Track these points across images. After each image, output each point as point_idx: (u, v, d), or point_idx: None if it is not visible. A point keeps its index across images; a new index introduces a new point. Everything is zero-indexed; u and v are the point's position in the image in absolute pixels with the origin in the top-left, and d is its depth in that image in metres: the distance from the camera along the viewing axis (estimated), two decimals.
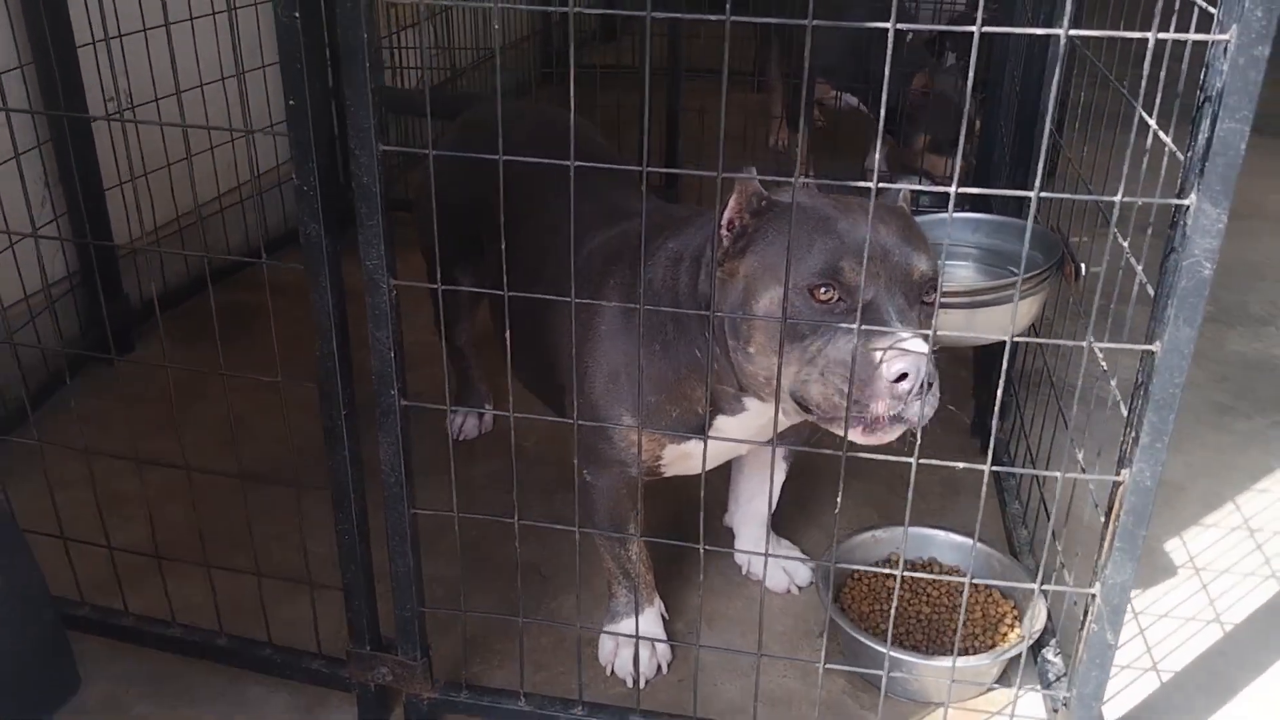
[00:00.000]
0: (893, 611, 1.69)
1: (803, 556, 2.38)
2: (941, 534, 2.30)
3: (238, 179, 3.54)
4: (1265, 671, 2.13)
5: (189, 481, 1.98)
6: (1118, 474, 1.56)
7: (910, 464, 1.52)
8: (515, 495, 1.72)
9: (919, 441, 1.54)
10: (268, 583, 2.17)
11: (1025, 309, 2.14)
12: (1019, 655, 2.01)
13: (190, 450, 2.23)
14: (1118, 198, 1.40)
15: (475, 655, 2.15)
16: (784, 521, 2.48)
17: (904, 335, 1.55)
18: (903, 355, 1.52)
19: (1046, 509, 2.20)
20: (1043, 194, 1.37)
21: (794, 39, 4.56)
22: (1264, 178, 4.55)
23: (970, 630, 2.14)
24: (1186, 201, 1.37)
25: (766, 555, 1.69)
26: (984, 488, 1.59)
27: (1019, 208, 2.49)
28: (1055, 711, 1.82)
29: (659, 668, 2.12)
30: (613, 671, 2.10)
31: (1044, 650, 2.06)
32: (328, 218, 1.57)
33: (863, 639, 2.01)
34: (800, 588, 2.34)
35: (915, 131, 4.09)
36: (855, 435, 1.59)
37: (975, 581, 2.19)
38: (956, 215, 2.40)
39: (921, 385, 1.52)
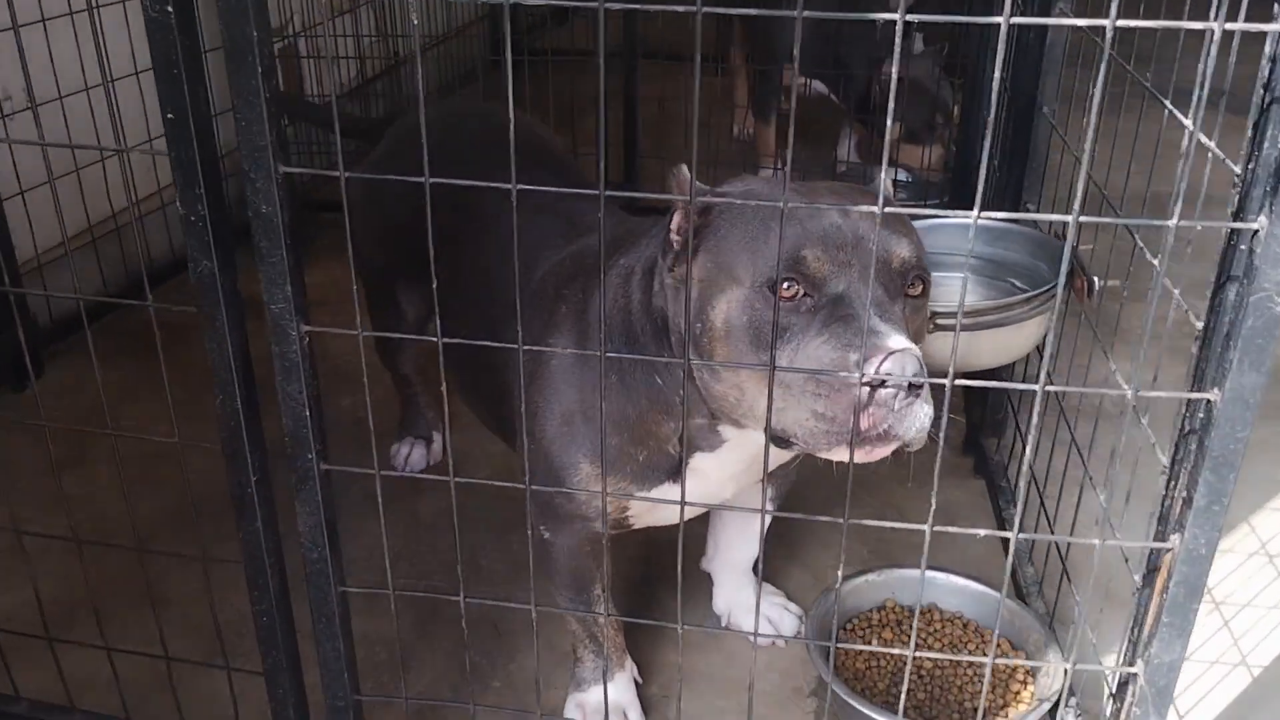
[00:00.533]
0: (903, 695, 1.46)
1: (789, 604, 2.15)
2: (941, 576, 2.07)
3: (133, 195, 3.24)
4: None
5: (80, 552, 1.71)
6: (1164, 538, 1.34)
7: (923, 531, 1.29)
8: (460, 569, 1.47)
9: (931, 492, 1.30)
10: (186, 652, 1.92)
11: (1032, 330, 1.91)
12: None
13: (102, 491, 1.96)
14: (1173, 222, 1.16)
15: None
16: (765, 562, 2.24)
17: (883, 330, 1.30)
18: (883, 354, 1.27)
19: (1059, 550, 1.98)
20: (1084, 218, 1.14)
21: (757, 20, 4.31)
22: None
23: (977, 687, 1.92)
24: (1255, 225, 1.14)
25: (757, 620, 1.45)
26: (1009, 559, 1.36)
27: (1015, 208, 2.26)
28: None
29: None
30: None
31: (1062, 713, 1.85)
32: (221, 250, 1.31)
33: (862, 708, 1.78)
34: (787, 640, 2.11)
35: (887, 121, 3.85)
36: (841, 455, 1.32)
37: (999, 639, 1.97)
38: (948, 220, 2.17)
39: (909, 389, 1.27)
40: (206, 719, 1.87)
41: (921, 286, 1.44)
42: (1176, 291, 1.38)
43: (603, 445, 1.48)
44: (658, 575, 2.28)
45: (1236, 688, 2.01)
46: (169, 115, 1.21)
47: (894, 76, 1.07)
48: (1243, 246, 1.16)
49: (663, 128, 4.13)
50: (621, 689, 1.90)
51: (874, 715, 1.75)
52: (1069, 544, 1.96)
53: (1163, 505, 1.36)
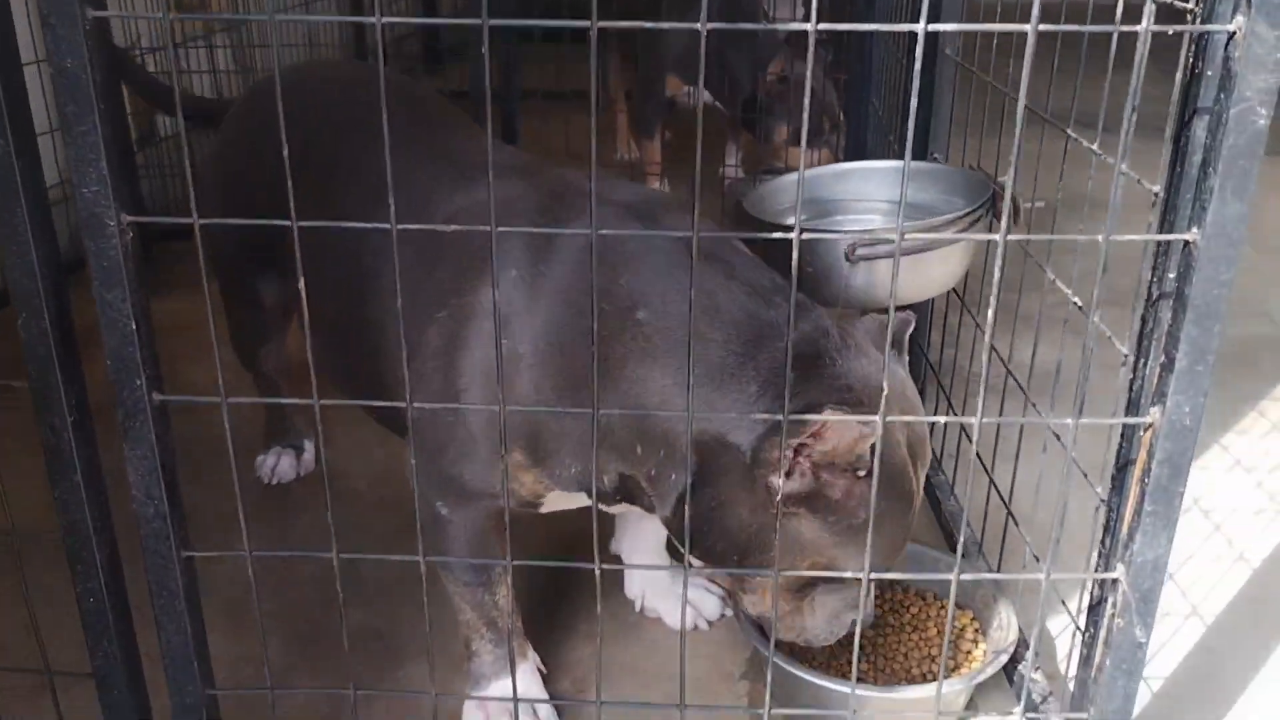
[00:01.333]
0: (855, 656, 1.27)
1: (710, 585, 1.94)
2: None
3: None
4: None
5: None
6: (1140, 412, 1.19)
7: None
8: (330, 513, 1.22)
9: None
10: (8, 685, 1.62)
11: (958, 257, 1.78)
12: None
13: None
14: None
15: None
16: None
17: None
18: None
19: (1001, 496, 1.82)
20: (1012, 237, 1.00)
21: (636, 39, 4.21)
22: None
23: (925, 651, 1.73)
24: (1231, 27, 1.01)
25: (686, 570, 1.24)
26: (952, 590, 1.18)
27: (920, 159, 2.14)
28: None
29: None
30: None
31: (1020, 666, 1.67)
32: (16, 123, 1.07)
33: (804, 675, 1.58)
34: (710, 622, 1.89)
35: (775, 124, 3.77)
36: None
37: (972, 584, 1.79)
38: (855, 165, 2.04)
39: None
40: None
41: None
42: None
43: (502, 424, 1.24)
44: (559, 570, 2.05)
45: (1241, 580, 1.96)
46: None
47: (808, 80, 1.00)
48: (1218, 51, 1.03)
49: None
50: (527, 681, 1.65)
51: (828, 685, 1.55)
52: (1014, 474, 1.80)
53: (1134, 378, 1.21)
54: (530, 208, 1.51)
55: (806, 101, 1.04)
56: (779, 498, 1.27)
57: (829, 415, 1.21)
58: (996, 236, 1.06)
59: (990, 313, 1.09)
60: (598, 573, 1.22)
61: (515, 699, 1.34)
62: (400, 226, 1.03)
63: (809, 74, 0.98)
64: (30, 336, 1.14)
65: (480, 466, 1.47)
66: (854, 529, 1.31)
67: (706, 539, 1.36)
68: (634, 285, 1.39)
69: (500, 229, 1.05)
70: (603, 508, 1.54)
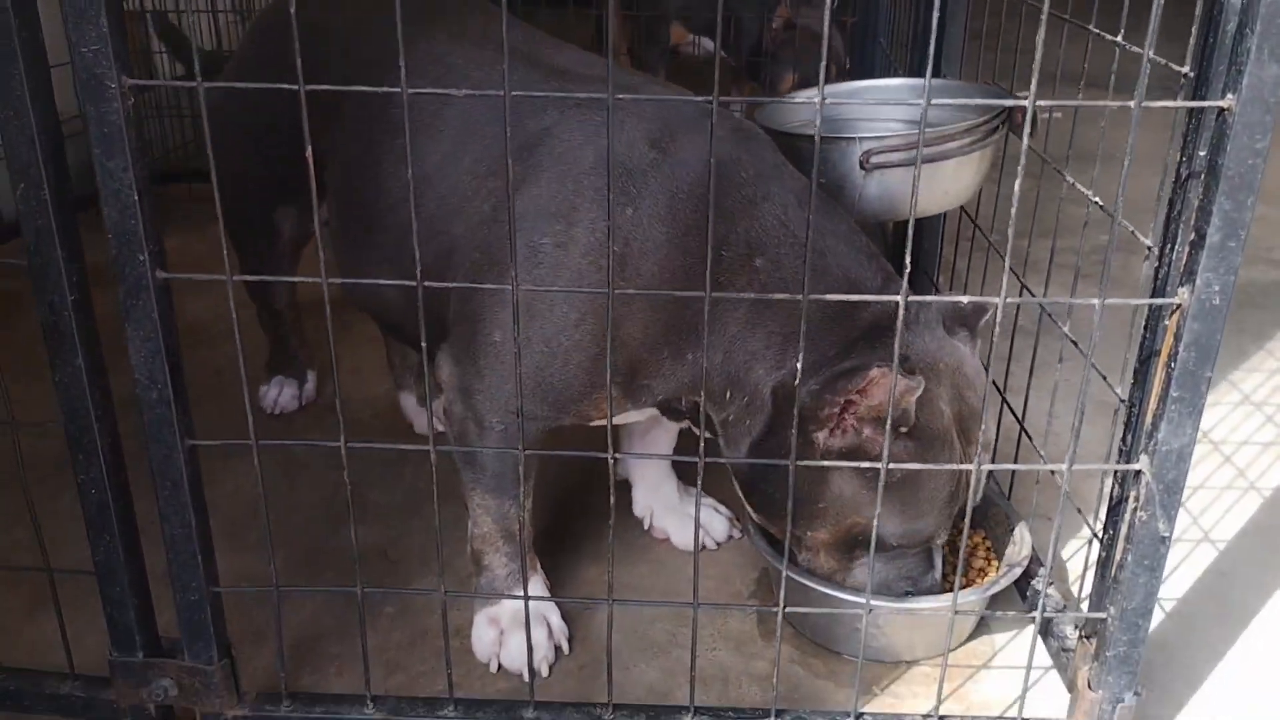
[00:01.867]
0: (872, 550, 1.24)
1: (718, 505, 1.91)
2: None
3: None
4: None
5: None
6: (1165, 293, 1.16)
7: None
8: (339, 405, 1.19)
9: None
10: (11, 598, 1.61)
11: (974, 167, 1.74)
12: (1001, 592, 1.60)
13: None
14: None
15: (304, 662, 1.59)
16: (685, 466, 2.00)
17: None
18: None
19: (1012, 410, 1.79)
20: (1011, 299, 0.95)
21: None
22: None
23: None
24: None
25: (701, 460, 1.21)
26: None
27: (937, 72, 2.11)
28: (1082, 640, 1.39)
29: (556, 652, 1.61)
30: (500, 667, 1.58)
31: (1033, 582, 1.65)
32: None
33: (818, 586, 1.55)
34: (719, 543, 1.87)
35: (781, 72, 3.73)
36: None
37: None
38: (867, 83, 2.00)
39: None
40: (35, 660, 1.54)
41: None
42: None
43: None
44: (567, 487, 2.02)
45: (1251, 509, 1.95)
46: None
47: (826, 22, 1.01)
48: None
49: None
50: (538, 592, 1.63)
51: (842, 596, 1.52)
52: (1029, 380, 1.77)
53: (1159, 266, 1.19)
54: (639, 138, 1.44)
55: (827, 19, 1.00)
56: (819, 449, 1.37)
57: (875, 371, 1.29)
58: (1025, 102, 1.03)
59: (1016, 185, 1.06)
60: (610, 461, 1.19)
61: (526, 596, 1.31)
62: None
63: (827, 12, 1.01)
64: (29, 208, 1.11)
65: (567, 397, 1.47)
66: (891, 488, 1.35)
67: (767, 485, 1.42)
68: (751, 233, 1.42)
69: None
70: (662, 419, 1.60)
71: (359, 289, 1.79)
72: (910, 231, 1.08)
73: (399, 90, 1.02)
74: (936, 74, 2.13)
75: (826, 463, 1.34)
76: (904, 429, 1.33)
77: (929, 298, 1.27)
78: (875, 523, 1.23)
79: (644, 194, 1.41)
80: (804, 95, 1.96)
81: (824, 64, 1.05)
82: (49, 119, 1.08)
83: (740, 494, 1.53)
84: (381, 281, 1.18)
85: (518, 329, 1.17)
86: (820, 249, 1.41)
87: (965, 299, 1.26)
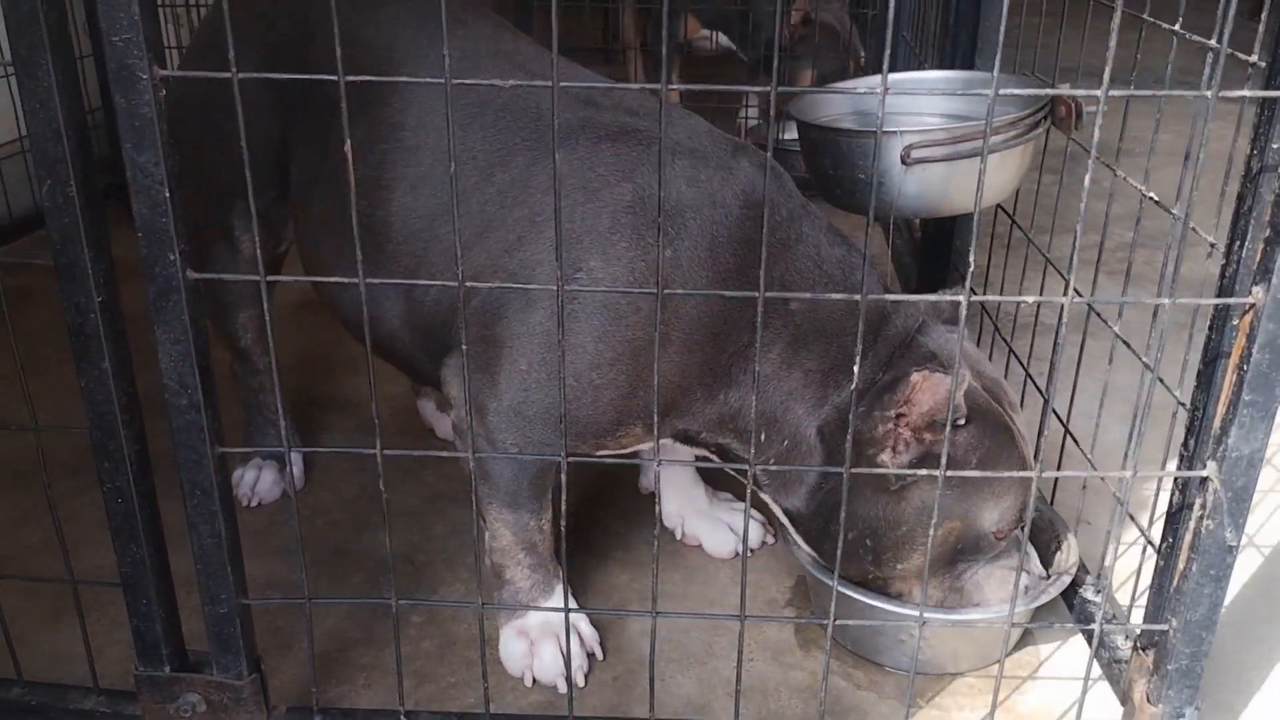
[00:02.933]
0: (928, 558, 1.20)
1: (753, 511, 1.87)
2: None
3: None
4: None
5: None
6: (1235, 292, 1.11)
7: None
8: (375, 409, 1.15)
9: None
10: (28, 608, 1.56)
11: (1015, 162, 1.70)
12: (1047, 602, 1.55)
13: None
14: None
15: (331, 673, 1.55)
16: (714, 472, 1.95)
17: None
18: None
19: (1058, 415, 1.75)
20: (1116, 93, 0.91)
21: None
22: None
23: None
24: None
25: (751, 468, 1.17)
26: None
27: (969, 66, 2.06)
28: (1138, 652, 1.35)
29: (589, 660, 1.56)
30: (534, 681, 1.53)
31: (1081, 591, 1.61)
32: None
33: (860, 597, 1.51)
34: (752, 550, 1.83)
35: (799, 69, 3.68)
36: None
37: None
38: (904, 75, 1.96)
39: None
40: (58, 672, 1.50)
41: None
42: None
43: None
44: (593, 490, 1.98)
45: None
46: None
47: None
48: None
49: None
50: (560, 600, 1.58)
51: (893, 609, 1.48)
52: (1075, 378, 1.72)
53: (1227, 262, 1.14)
54: (677, 175, 1.42)
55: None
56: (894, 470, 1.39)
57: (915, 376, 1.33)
58: (1098, 92, 0.98)
59: (1086, 179, 1.01)
60: (656, 467, 1.14)
61: (566, 609, 1.27)
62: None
63: None
64: (54, 205, 1.06)
65: (590, 431, 1.44)
66: (970, 480, 1.38)
67: (837, 525, 1.32)
68: (787, 275, 1.44)
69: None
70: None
71: (368, 321, 1.66)
72: (975, 226, 1.04)
73: (416, 100, 0.97)
74: (970, 66, 2.09)
75: (883, 470, 1.33)
76: (961, 421, 1.36)
77: (944, 296, 1.26)
78: (933, 533, 1.19)
79: (683, 236, 1.39)
80: (857, 85, 1.91)
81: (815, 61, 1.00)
82: (76, 112, 1.04)
83: (807, 546, 1.54)
84: (423, 282, 1.13)
85: (562, 358, 1.12)
86: (851, 283, 1.47)
87: (970, 297, 1.20)
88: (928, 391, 1.33)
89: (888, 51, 1.04)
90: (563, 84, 0.99)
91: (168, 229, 1.06)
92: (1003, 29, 1.12)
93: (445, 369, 1.52)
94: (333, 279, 1.10)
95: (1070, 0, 1.69)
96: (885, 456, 1.38)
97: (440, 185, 1.51)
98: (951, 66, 2.18)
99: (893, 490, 1.40)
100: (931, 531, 1.19)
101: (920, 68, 2.60)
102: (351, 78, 0.98)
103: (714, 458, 1.52)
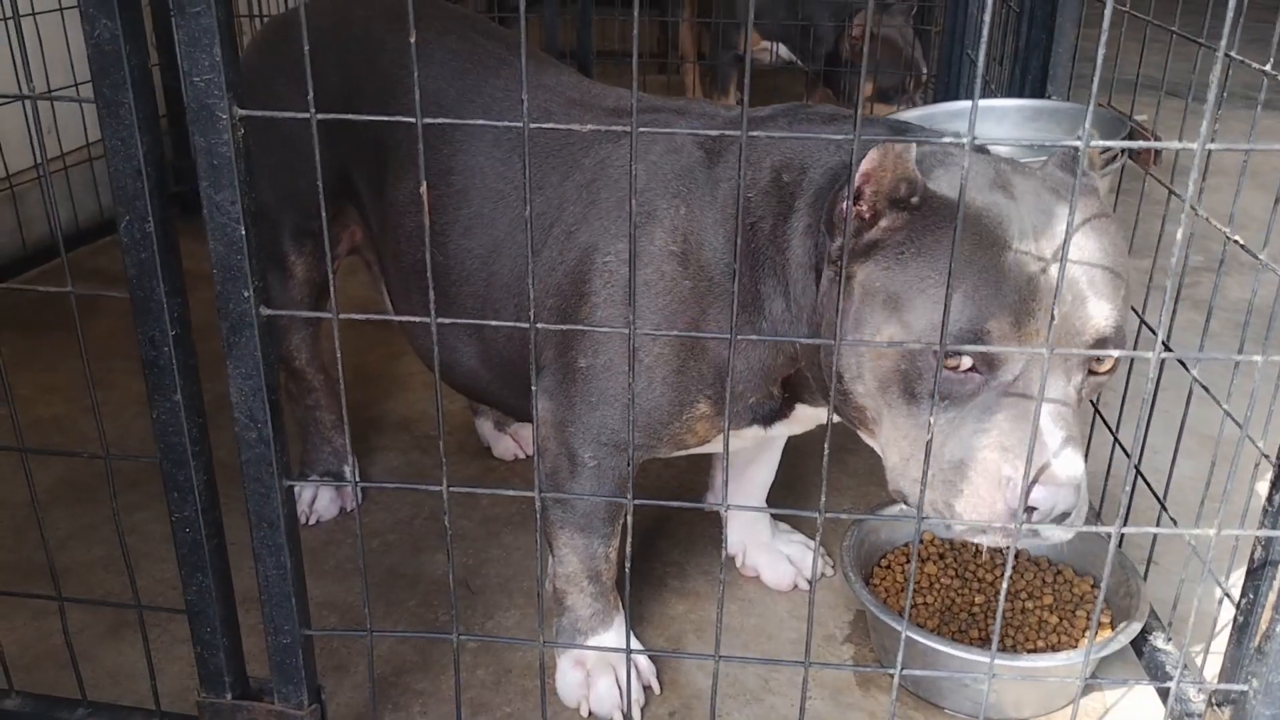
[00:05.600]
0: (1000, 604, 1.17)
1: (809, 541, 1.85)
2: None
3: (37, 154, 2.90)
4: None
5: None
6: None
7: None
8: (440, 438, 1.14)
9: None
10: (90, 623, 1.57)
11: None
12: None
13: None
14: None
15: (387, 698, 1.55)
16: (770, 503, 1.93)
17: (1051, 444, 1.11)
18: (1039, 486, 1.10)
19: (1124, 450, 1.70)
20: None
21: None
22: None
23: (1039, 617, 1.63)
24: None
25: (821, 510, 1.14)
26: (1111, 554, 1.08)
27: (1040, 90, 2.02)
28: (1213, 708, 1.31)
29: (646, 692, 1.55)
30: (589, 713, 1.52)
31: (1152, 639, 1.57)
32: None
33: (927, 641, 1.49)
34: (810, 582, 1.80)
35: (859, 80, 3.64)
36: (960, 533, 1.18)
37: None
38: (981, 104, 1.92)
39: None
40: (117, 691, 1.51)
41: (1111, 363, 1.19)
42: None
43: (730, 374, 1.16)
44: (652, 519, 1.97)
45: None
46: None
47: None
48: None
49: None
50: (622, 633, 1.57)
51: (960, 654, 1.45)
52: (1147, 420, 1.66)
53: None
54: (688, 141, 1.43)
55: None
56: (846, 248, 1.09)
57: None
58: (1194, 145, 0.95)
59: (1179, 233, 0.98)
60: (724, 514, 1.13)
61: (629, 650, 1.25)
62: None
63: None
64: (131, 240, 1.07)
65: (657, 420, 1.42)
66: (908, 275, 1.16)
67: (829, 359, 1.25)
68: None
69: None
70: (762, 434, 1.50)
71: (438, 359, 1.67)
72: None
73: (463, 146, 0.96)
74: (1042, 89, 2.05)
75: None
76: (915, 199, 1.16)
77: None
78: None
79: (694, 189, 1.39)
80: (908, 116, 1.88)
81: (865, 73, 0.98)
82: (155, 150, 1.04)
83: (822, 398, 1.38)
84: (494, 323, 1.12)
85: (632, 362, 1.11)
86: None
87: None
88: (883, 164, 1.14)
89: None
90: (641, 129, 0.98)
91: (243, 266, 1.06)
92: (1072, 65, 1.08)
93: (538, 390, 1.49)
94: (403, 318, 1.08)
95: (1150, 20, 1.65)
96: (831, 250, 1.24)
97: (490, 224, 1.54)
98: (1021, 89, 2.14)
99: (845, 287, 1.17)
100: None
101: (987, 89, 2.56)
102: (429, 120, 0.97)
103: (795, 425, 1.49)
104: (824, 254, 1.27)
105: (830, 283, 1.26)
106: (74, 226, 3.16)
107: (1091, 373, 1.17)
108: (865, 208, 1.18)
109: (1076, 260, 1.14)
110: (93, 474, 2.04)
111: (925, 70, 3.64)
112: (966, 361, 1.13)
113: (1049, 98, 2.03)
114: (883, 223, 1.18)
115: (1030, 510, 1.10)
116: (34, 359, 2.47)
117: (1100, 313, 1.14)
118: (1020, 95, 2.09)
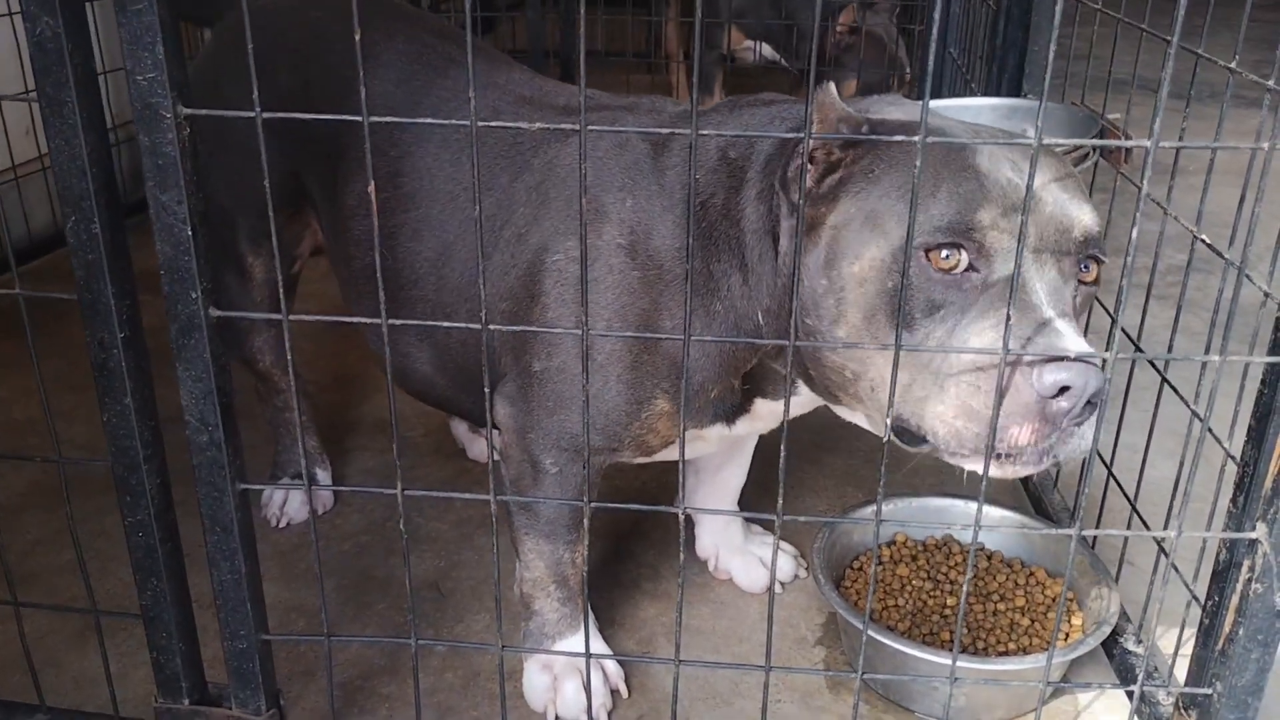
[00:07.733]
0: (961, 608, 1.16)
1: (783, 544, 1.84)
2: (960, 504, 1.78)
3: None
4: None
5: None
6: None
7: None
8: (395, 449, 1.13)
9: None
10: (57, 628, 1.56)
11: None
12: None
13: None
14: None
15: (353, 702, 1.54)
16: (745, 505, 1.92)
17: (1062, 329, 1.07)
18: (1062, 365, 1.04)
19: (1103, 459, 1.70)
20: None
21: None
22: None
23: (1011, 621, 1.62)
24: None
25: (779, 517, 1.13)
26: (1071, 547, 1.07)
27: (1016, 89, 2.01)
28: (1180, 710, 1.30)
29: (614, 697, 1.54)
30: (556, 717, 1.51)
31: (1122, 640, 1.56)
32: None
33: (894, 644, 1.47)
34: (783, 584, 1.79)
35: (844, 78, 3.64)
36: (976, 465, 1.11)
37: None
38: (948, 103, 1.91)
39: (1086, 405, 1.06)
40: (80, 697, 1.50)
41: (1096, 270, 1.18)
42: None
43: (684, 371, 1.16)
44: (624, 525, 1.95)
45: None
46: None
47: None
48: None
49: None
50: (592, 638, 1.56)
51: (924, 656, 1.44)
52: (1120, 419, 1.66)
53: None
54: (635, 139, 1.42)
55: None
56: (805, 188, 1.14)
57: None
58: (1147, 143, 0.94)
59: (1134, 231, 0.97)
60: (681, 516, 1.12)
61: (588, 654, 1.24)
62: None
63: None
64: (78, 241, 1.06)
65: (615, 421, 1.39)
66: (882, 189, 1.16)
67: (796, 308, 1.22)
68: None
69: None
70: (727, 433, 1.46)
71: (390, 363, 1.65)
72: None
73: (411, 148, 0.95)
74: (1018, 87, 2.04)
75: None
76: (865, 129, 1.15)
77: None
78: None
79: (640, 181, 1.38)
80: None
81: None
82: (101, 148, 1.03)
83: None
84: (445, 324, 1.11)
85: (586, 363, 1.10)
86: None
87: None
88: (820, 107, 1.14)
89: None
90: (590, 127, 0.96)
91: (190, 268, 1.05)
92: (1049, 69, 1.08)
93: (496, 395, 1.48)
94: (353, 319, 1.07)
95: (1122, 18, 1.64)
96: (791, 199, 1.23)
97: (440, 226, 1.52)
98: (999, 87, 2.13)
99: (814, 231, 1.20)
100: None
101: (968, 88, 2.55)
102: (376, 119, 0.96)
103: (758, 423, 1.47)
104: (779, 216, 1.26)
105: (790, 238, 1.24)
106: (53, 228, 3.14)
107: (1080, 282, 1.16)
108: (821, 154, 1.18)
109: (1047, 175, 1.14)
110: (59, 479, 2.03)
111: (909, 68, 3.63)
112: (960, 258, 1.10)
113: (1025, 96, 2.02)
114: (841, 161, 1.18)
115: (1063, 391, 1.03)
116: (15, 362, 2.46)
117: (1084, 211, 1.15)
118: (997, 94, 2.08)
